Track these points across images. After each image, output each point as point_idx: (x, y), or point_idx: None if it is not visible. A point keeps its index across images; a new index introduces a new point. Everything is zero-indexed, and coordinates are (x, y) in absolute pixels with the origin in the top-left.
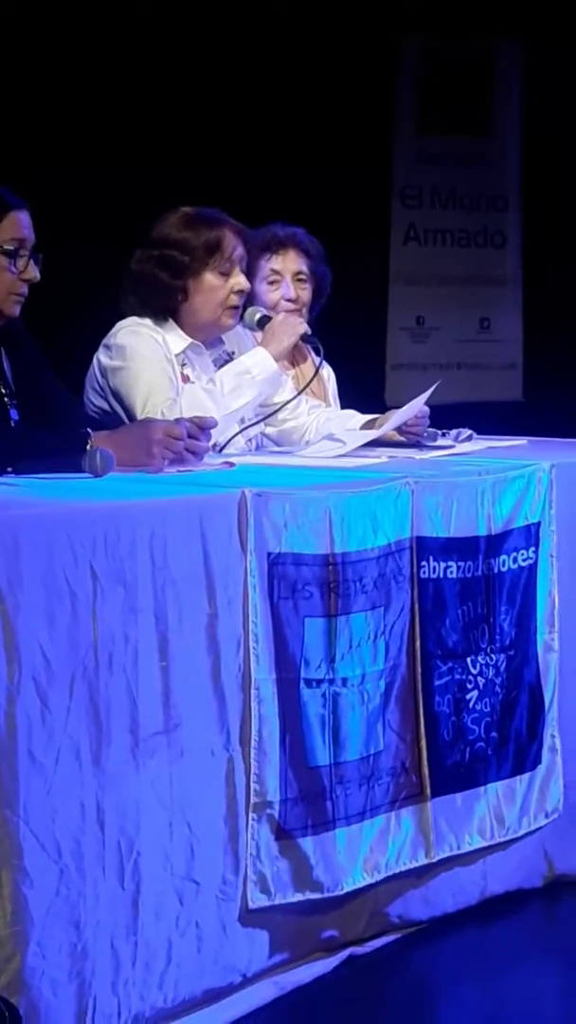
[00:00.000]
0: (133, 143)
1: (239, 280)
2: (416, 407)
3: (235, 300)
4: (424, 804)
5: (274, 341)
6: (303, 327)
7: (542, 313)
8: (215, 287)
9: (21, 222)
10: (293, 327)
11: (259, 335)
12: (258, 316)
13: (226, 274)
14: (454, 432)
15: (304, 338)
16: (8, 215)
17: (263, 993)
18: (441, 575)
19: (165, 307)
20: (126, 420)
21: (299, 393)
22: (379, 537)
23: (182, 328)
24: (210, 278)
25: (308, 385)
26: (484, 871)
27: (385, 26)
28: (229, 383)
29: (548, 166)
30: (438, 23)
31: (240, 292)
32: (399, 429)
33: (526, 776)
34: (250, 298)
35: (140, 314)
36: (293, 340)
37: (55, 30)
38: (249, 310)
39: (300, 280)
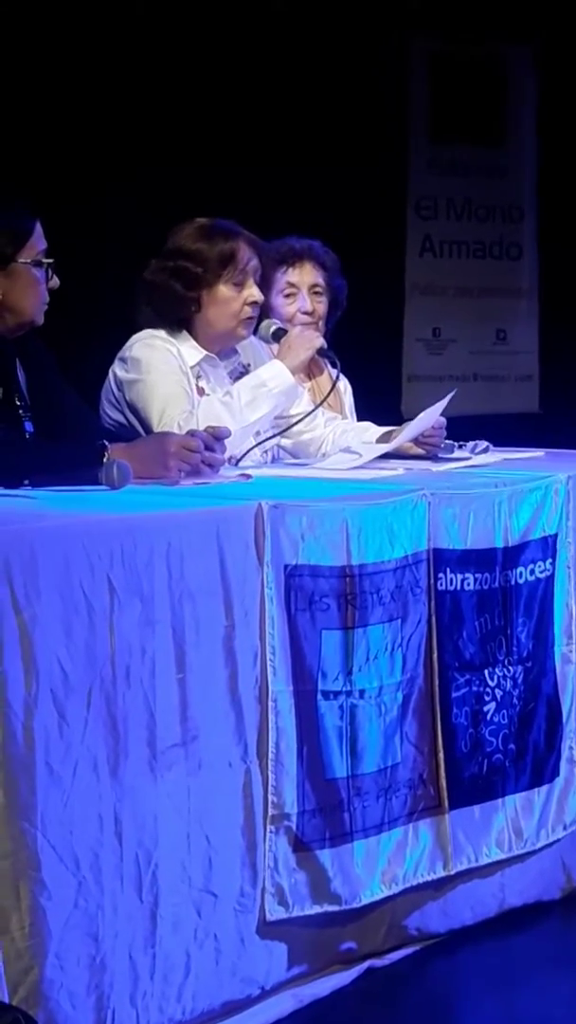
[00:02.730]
0: (145, 157)
1: (253, 292)
2: (431, 417)
3: (249, 312)
4: (442, 816)
5: (290, 354)
6: (319, 341)
7: (558, 324)
8: (229, 299)
9: (41, 233)
10: (309, 340)
11: (275, 347)
12: (273, 328)
13: (240, 285)
14: (471, 444)
15: (320, 352)
16: (35, 229)
17: (281, 1005)
18: (458, 587)
19: (179, 318)
20: (142, 433)
21: (316, 407)
22: (396, 549)
23: (196, 339)
24: (224, 290)
25: (326, 399)
26: (502, 883)
27: (398, 36)
28: (246, 395)
29: (564, 176)
30: (450, 32)
31: (254, 304)
32: (416, 440)
33: (544, 788)
34: (266, 311)
35: (154, 325)
36: (309, 354)
37: (62, 37)
38: (264, 323)
39: (316, 293)
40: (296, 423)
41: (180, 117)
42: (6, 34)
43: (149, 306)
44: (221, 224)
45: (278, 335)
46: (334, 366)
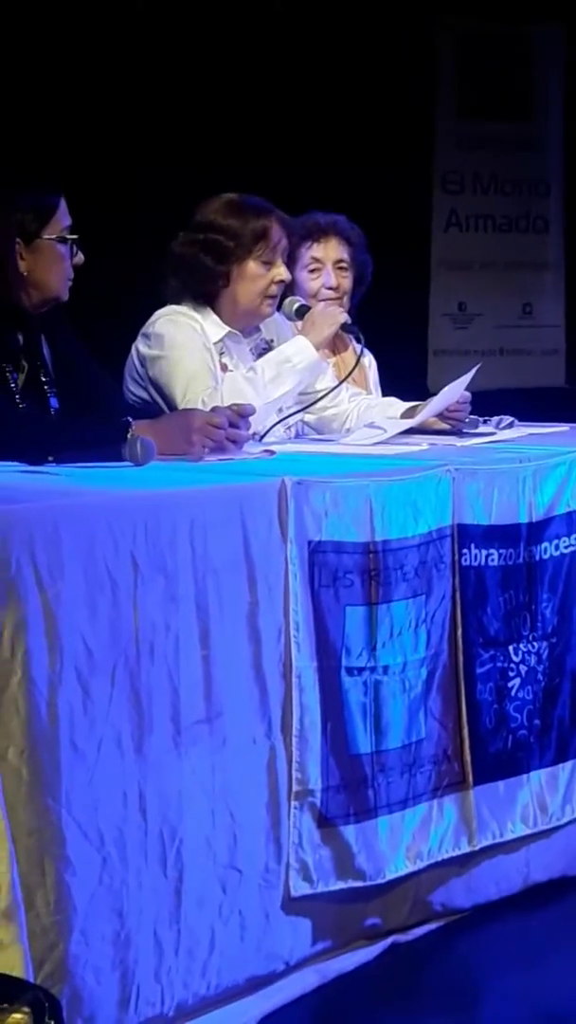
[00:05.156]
0: (171, 134)
1: (281, 271)
2: (456, 392)
3: (275, 290)
4: (467, 792)
5: (314, 330)
6: (343, 316)
7: None
8: (257, 276)
9: (66, 210)
10: (333, 316)
11: (298, 324)
12: (296, 306)
13: (269, 263)
14: (495, 419)
15: (344, 327)
16: (60, 204)
17: (306, 981)
18: (482, 563)
19: (206, 292)
20: (166, 409)
21: (340, 383)
22: (420, 525)
23: (220, 315)
24: (253, 266)
25: (350, 374)
26: (527, 859)
27: (425, 11)
28: (270, 371)
29: None
30: (478, 7)
31: (281, 283)
32: (441, 415)
33: (569, 764)
34: (291, 286)
35: (180, 298)
36: (333, 329)
37: (71, 33)
38: (288, 300)
39: (341, 268)
40: (320, 399)
41: (209, 94)
42: (38, 28)
43: (176, 279)
44: (253, 200)
45: (301, 312)
46: (359, 341)
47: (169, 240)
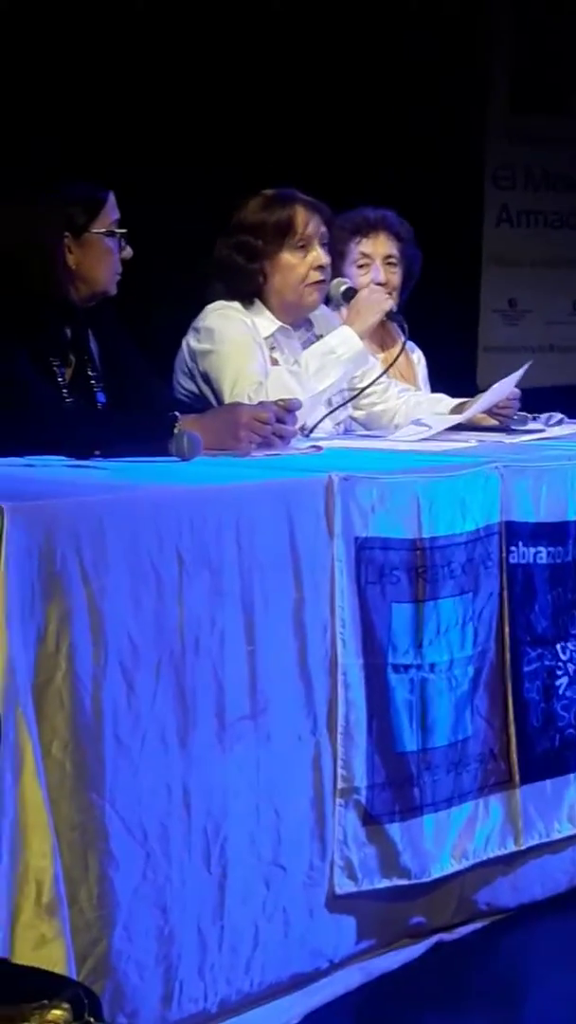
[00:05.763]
0: (218, 125)
1: (317, 255)
2: (505, 389)
3: (316, 276)
4: (513, 791)
5: (359, 319)
6: (388, 303)
7: None
8: (293, 265)
9: (115, 203)
10: (378, 304)
11: (344, 309)
12: (343, 288)
13: (303, 251)
14: (544, 416)
15: (389, 315)
16: (109, 198)
17: (350, 979)
18: (531, 560)
19: (249, 291)
20: (215, 403)
21: (384, 371)
22: (467, 522)
23: (270, 311)
24: (287, 257)
25: (394, 363)
26: (573, 859)
27: (479, 4)
28: (315, 364)
29: None
30: (531, 2)
31: (320, 268)
32: (490, 412)
33: None
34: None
35: (227, 300)
36: (378, 317)
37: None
38: (334, 282)
39: (390, 263)
40: (365, 388)
41: (265, 84)
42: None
43: (220, 283)
44: (280, 193)
45: (348, 295)
46: (403, 331)
47: (220, 229)
